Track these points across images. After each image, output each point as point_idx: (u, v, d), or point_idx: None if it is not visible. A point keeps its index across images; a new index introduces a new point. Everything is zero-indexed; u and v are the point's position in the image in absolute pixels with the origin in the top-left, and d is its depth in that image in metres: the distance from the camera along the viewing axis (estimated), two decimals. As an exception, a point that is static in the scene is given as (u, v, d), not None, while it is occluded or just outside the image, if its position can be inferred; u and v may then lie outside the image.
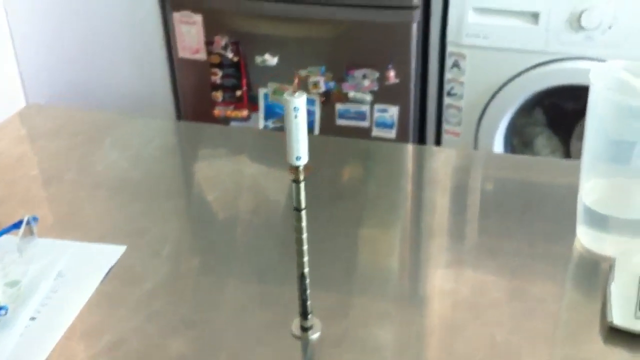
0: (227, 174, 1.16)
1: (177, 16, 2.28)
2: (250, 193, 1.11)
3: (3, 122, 1.27)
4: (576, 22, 1.94)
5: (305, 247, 0.78)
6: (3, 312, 0.84)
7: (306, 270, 0.79)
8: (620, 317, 0.78)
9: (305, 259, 0.79)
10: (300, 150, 0.72)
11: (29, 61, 2.35)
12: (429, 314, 0.86)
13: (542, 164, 1.17)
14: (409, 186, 1.14)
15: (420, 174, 1.19)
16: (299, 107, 0.70)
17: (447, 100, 2.16)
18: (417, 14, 2.06)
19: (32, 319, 0.85)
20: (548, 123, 2.32)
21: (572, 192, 0.98)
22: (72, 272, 0.93)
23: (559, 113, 2.28)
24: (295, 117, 0.70)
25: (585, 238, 0.92)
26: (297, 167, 0.73)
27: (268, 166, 1.17)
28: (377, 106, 2.16)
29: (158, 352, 0.81)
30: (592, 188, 0.91)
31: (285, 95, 0.70)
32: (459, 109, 2.16)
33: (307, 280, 0.80)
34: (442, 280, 0.91)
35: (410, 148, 1.35)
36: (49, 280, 0.90)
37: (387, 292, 0.90)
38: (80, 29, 2.37)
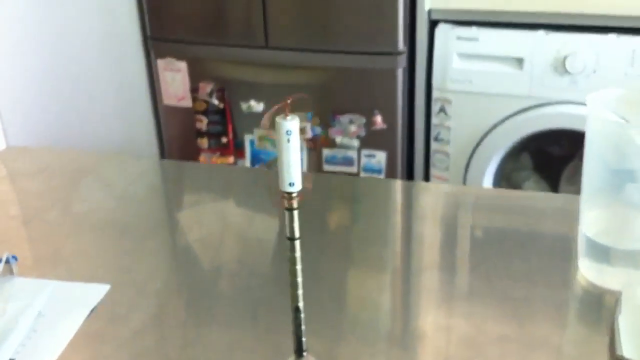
0: (213, 212, 1.13)
1: (161, 63, 2.28)
2: (237, 230, 1.07)
3: (-16, 163, 1.24)
4: (561, 67, 1.95)
5: (299, 279, 0.74)
6: (-21, 352, 0.80)
7: (301, 304, 0.76)
8: (630, 350, 0.75)
9: (300, 291, 0.75)
10: (293, 176, 0.69)
11: (9, 106, 2.32)
12: (426, 351, 0.83)
13: (536, 198, 1.14)
14: (398, 221, 1.12)
15: (410, 209, 1.17)
16: (291, 130, 0.68)
17: (434, 145, 2.16)
18: (403, 60, 2.06)
19: (11, 360, 0.81)
20: (535, 167, 2.32)
21: (568, 225, 0.96)
22: (53, 311, 0.88)
23: (546, 157, 2.28)
24: (288, 141, 0.68)
25: (588, 271, 0.90)
26: (290, 194, 0.70)
27: (254, 204, 1.14)
28: (364, 151, 2.15)
29: (144, 394, 0.76)
30: (593, 219, 0.89)
31: (277, 119, 0.68)
32: (446, 154, 2.15)
33: (302, 315, 0.76)
34: (438, 317, 0.87)
35: (399, 184, 1.33)
36: (29, 320, 0.86)
37: (379, 330, 0.86)
38: (64, 75, 2.36)
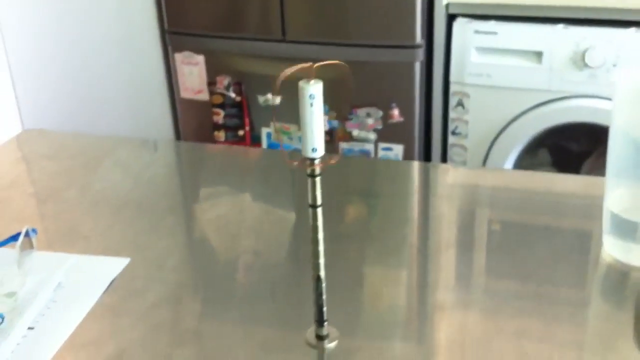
0: (229, 192, 1.12)
1: (179, 57, 2.28)
2: (255, 209, 1.07)
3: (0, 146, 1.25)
4: (580, 61, 1.94)
5: (321, 247, 0.74)
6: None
7: (322, 272, 0.75)
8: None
9: (321, 260, 0.74)
10: (316, 141, 0.69)
11: (28, 97, 2.34)
12: (444, 323, 0.81)
13: (558, 179, 1.13)
14: (418, 201, 1.11)
15: (429, 190, 1.16)
16: (315, 94, 0.67)
17: (451, 139, 2.14)
18: (421, 53, 2.06)
19: (30, 328, 0.81)
20: (553, 163, 2.30)
21: (592, 205, 0.95)
22: (72, 283, 0.88)
23: (564, 153, 2.26)
24: (311, 105, 0.67)
25: (613, 248, 0.88)
26: (312, 160, 0.70)
27: (271, 184, 1.14)
28: (381, 145, 2.14)
29: (163, 363, 0.76)
30: (618, 197, 0.87)
31: (300, 83, 0.67)
32: (463, 147, 2.14)
33: (324, 284, 0.75)
34: (458, 293, 0.86)
35: (417, 165, 1.32)
36: (48, 291, 0.86)
37: (398, 304, 0.86)
38: (82, 68, 2.37)
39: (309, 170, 0.70)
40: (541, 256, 0.91)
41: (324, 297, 0.76)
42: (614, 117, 0.85)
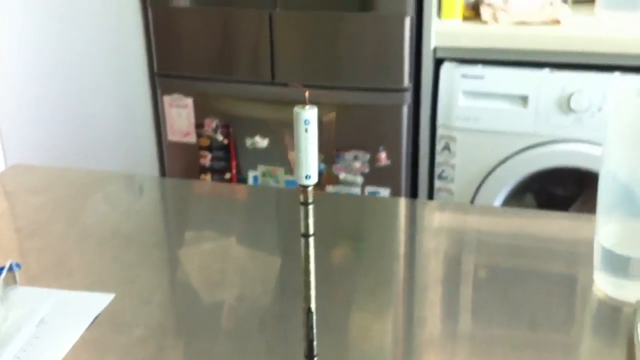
0: (216, 227, 1.10)
1: (167, 99, 2.28)
2: (242, 243, 1.05)
3: (-15, 181, 1.23)
4: (565, 105, 1.96)
5: (312, 278, 0.72)
6: (-21, 354, 0.77)
7: (313, 305, 0.73)
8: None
9: (313, 292, 0.73)
10: (310, 168, 0.68)
11: (13, 136, 2.32)
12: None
13: (547, 217, 1.13)
14: (404, 237, 1.10)
15: (415, 226, 1.15)
16: (309, 120, 0.67)
17: (438, 183, 2.15)
18: (408, 97, 2.07)
19: (11, 364, 0.78)
20: (539, 207, 2.30)
21: (582, 241, 0.94)
22: (55, 318, 0.86)
23: (549, 198, 2.27)
24: (306, 131, 0.67)
25: (604, 284, 0.87)
26: (306, 187, 0.69)
27: (259, 220, 1.12)
28: (368, 188, 2.14)
29: (148, 399, 0.73)
30: (609, 232, 0.87)
31: (295, 108, 0.67)
32: (450, 192, 2.14)
33: (314, 317, 0.74)
34: (447, 327, 0.85)
35: (403, 202, 1.31)
36: (31, 326, 0.83)
37: (388, 339, 0.84)
38: (70, 108, 2.36)
39: (302, 198, 0.69)
40: (531, 292, 0.89)
41: (315, 330, 0.74)
42: (606, 141, 0.85)
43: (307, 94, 0.68)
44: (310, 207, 0.70)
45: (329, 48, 2.09)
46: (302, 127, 0.66)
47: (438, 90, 2.06)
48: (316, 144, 0.67)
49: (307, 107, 0.67)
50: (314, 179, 0.68)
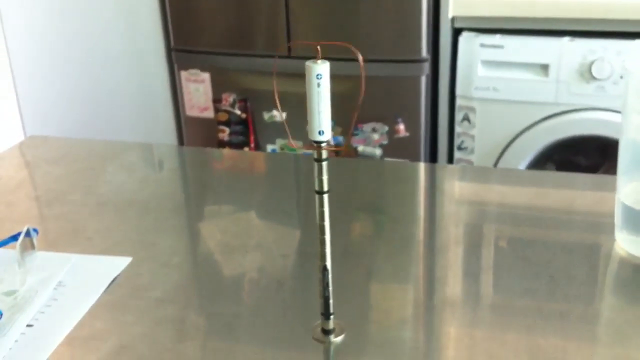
0: (234, 193, 1.10)
1: (184, 74, 2.28)
2: (260, 209, 1.05)
3: (3, 152, 1.23)
4: (587, 73, 1.93)
5: (327, 235, 0.72)
6: (-2, 315, 0.77)
7: (328, 262, 0.73)
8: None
9: (328, 249, 0.72)
10: (323, 123, 0.67)
11: (32, 114, 2.33)
12: (454, 317, 0.79)
13: (569, 178, 1.11)
14: (425, 201, 1.09)
15: (436, 189, 1.14)
16: (322, 74, 0.66)
17: (457, 154, 2.13)
18: (426, 67, 2.05)
19: (29, 325, 0.78)
20: (561, 178, 2.27)
21: (604, 202, 0.93)
22: (73, 281, 0.86)
23: (571, 167, 2.24)
24: (318, 85, 0.66)
25: (625, 242, 0.86)
26: (319, 143, 0.68)
27: (277, 186, 1.12)
28: (387, 160, 2.12)
29: (169, 358, 0.73)
30: (631, 190, 0.85)
31: (307, 62, 0.66)
32: (470, 162, 2.12)
33: (330, 274, 0.73)
34: (467, 287, 0.84)
35: (423, 166, 1.30)
36: (48, 289, 0.84)
37: (407, 298, 0.83)
38: (87, 85, 2.37)
39: (315, 154, 0.69)
40: (552, 251, 0.88)
41: (330, 288, 0.74)
42: (625, 106, 0.83)
43: (319, 47, 0.67)
44: (324, 164, 0.69)
45: (345, 19, 2.07)
46: (315, 81, 0.66)
47: (457, 60, 2.04)
48: (329, 99, 0.67)
49: (319, 61, 0.66)
50: (327, 135, 0.68)
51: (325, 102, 0.67)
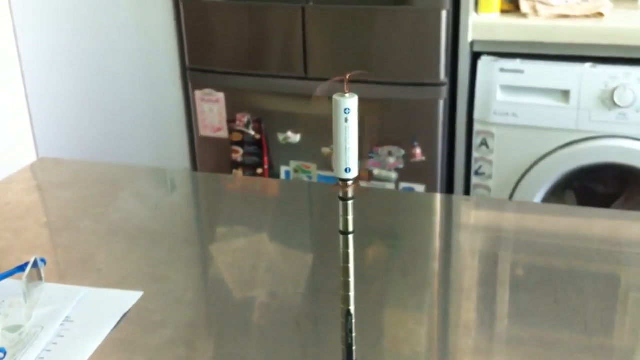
0: (247, 223, 1.06)
1: (199, 94, 2.25)
2: (274, 239, 1.01)
3: (14, 174, 1.20)
4: (609, 100, 1.88)
5: (351, 278, 0.68)
6: (1, 354, 0.74)
7: (352, 307, 0.69)
8: None
9: (352, 293, 0.68)
10: (351, 161, 0.64)
11: (46, 135, 2.31)
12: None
13: (587, 213, 1.07)
14: (440, 234, 1.05)
15: (451, 222, 1.10)
16: (350, 109, 0.62)
17: (475, 179, 2.08)
18: (444, 91, 2.01)
19: (35, 364, 0.75)
20: (580, 205, 2.23)
21: (624, 241, 0.89)
22: (81, 317, 0.82)
23: (590, 195, 2.19)
24: (346, 120, 0.62)
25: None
26: (345, 181, 0.64)
27: (291, 214, 1.08)
28: (402, 184, 2.08)
29: (177, 404, 0.70)
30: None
31: (335, 96, 0.62)
32: (487, 188, 2.08)
33: (354, 320, 0.69)
34: (482, 316, 0.80)
35: (439, 197, 1.26)
36: (55, 325, 0.80)
37: (429, 343, 0.79)
38: (102, 103, 2.35)
39: (341, 193, 0.65)
40: (577, 293, 0.84)
41: (354, 334, 0.69)
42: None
43: (347, 76, 0.63)
44: (350, 203, 0.65)
45: (363, 42, 2.04)
46: (342, 116, 0.62)
47: (475, 84, 2.00)
48: (356, 134, 0.63)
49: (348, 94, 0.62)
50: (354, 173, 0.64)
51: (353, 138, 0.63)
